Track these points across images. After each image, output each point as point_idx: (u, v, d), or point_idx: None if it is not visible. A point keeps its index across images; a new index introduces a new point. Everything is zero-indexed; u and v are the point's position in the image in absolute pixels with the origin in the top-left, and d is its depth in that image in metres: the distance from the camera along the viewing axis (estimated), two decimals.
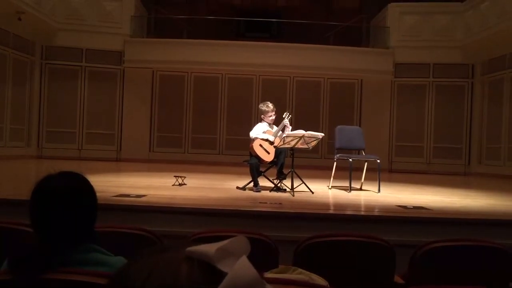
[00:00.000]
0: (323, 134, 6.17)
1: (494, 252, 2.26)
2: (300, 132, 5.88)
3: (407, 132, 13.44)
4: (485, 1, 11.59)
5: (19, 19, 10.81)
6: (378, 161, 6.71)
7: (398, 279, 2.36)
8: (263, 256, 2.15)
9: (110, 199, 4.41)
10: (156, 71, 13.69)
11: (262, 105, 6.49)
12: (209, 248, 0.51)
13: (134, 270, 0.53)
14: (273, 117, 6.39)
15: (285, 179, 6.20)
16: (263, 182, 6.32)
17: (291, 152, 6.08)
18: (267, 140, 6.20)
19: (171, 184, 6.34)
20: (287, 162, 6.20)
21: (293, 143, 5.88)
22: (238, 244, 0.53)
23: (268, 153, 6.14)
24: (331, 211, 4.95)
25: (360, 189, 6.85)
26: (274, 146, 6.15)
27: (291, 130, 6.17)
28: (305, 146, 6.00)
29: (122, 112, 13.51)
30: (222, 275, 0.50)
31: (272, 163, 6.22)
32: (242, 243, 0.54)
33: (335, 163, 6.84)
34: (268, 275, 1.51)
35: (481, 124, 12.77)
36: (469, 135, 13.13)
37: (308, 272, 1.59)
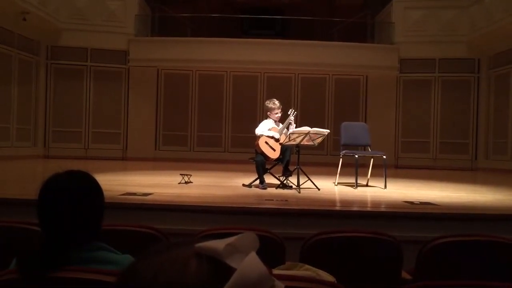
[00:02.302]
0: (328, 131, 6.16)
1: (502, 247, 2.25)
2: (306, 128, 5.87)
3: (413, 127, 13.39)
4: None
5: (24, 19, 10.85)
6: (384, 157, 6.69)
7: (405, 275, 2.36)
8: (270, 253, 2.16)
9: (116, 197, 4.43)
10: (161, 69, 13.71)
11: (268, 102, 6.48)
12: (218, 244, 0.51)
13: (143, 267, 0.53)
14: (279, 114, 6.38)
15: (291, 176, 6.20)
16: (269, 179, 6.32)
17: (297, 149, 6.08)
18: (272, 137, 6.20)
19: (177, 182, 6.35)
20: (292, 159, 6.20)
21: (298, 140, 5.88)
22: (246, 240, 0.53)
23: (274, 150, 6.14)
24: (337, 208, 4.95)
25: (366, 185, 6.84)
26: (280, 143, 6.15)
27: (295, 127, 6.17)
28: (311, 143, 6.00)
29: (128, 111, 13.54)
30: (231, 271, 0.50)
31: (278, 160, 6.21)
32: (250, 239, 0.54)
33: (341, 160, 6.83)
34: (275, 271, 1.52)
35: (487, 119, 12.71)
36: (476, 130, 13.07)
37: (315, 269, 1.59)
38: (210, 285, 0.50)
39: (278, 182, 6.23)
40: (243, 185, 6.34)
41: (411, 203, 4.87)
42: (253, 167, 6.26)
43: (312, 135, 5.90)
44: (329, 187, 6.57)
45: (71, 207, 1.45)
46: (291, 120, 6.23)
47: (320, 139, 6.06)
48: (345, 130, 7.03)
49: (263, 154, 6.10)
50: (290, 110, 6.33)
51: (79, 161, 10.66)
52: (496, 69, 12.34)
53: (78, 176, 1.52)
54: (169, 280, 0.51)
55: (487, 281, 1.52)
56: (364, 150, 7.40)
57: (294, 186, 6.01)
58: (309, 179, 6.04)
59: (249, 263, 0.50)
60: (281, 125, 6.36)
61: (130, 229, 2.28)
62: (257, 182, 6.17)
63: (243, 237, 0.53)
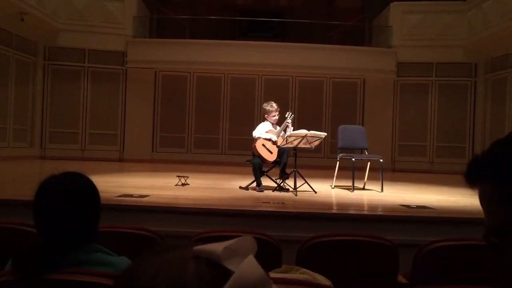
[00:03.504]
0: (325, 134, 6.17)
1: None
2: (303, 131, 5.87)
3: (410, 131, 13.41)
4: (488, 0, 11.56)
5: (22, 20, 10.83)
6: (381, 160, 6.71)
7: (401, 279, 2.36)
8: (266, 256, 2.15)
9: (113, 199, 4.42)
10: (159, 71, 13.70)
11: (266, 105, 6.49)
12: (216, 247, 0.52)
13: (141, 269, 0.53)
14: (277, 117, 6.39)
15: (288, 178, 6.20)
16: (266, 182, 6.32)
17: (294, 151, 6.08)
18: (269, 139, 6.20)
19: (174, 184, 6.34)
20: (290, 161, 6.20)
21: (295, 142, 5.88)
22: (245, 244, 0.53)
23: (271, 152, 6.14)
24: (334, 211, 4.95)
25: (363, 188, 6.84)
26: (277, 146, 6.15)
27: (293, 130, 6.17)
28: (308, 146, 6.00)
29: (125, 113, 13.52)
30: (229, 273, 0.50)
31: (275, 162, 6.22)
32: (249, 242, 0.54)
33: (337, 163, 6.84)
34: (272, 274, 1.51)
35: (484, 123, 12.74)
36: (472, 134, 13.10)
37: (311, 272, 1.59)
38: (209, 287, 0.50)
39: (275, 185, 6.23)
40: (240, 187, 6.34)
41: (408, 206, 4.88)
42: (250, 169, 6.26)
43: (309, 138, 5.90)
44: (326, 190, 6.57)
45: (67, 209, 1.44)
46: (288, 122, 6.23)
47: (317, 142, 6.07)
48: (342, 133, 7.04)
49: (260, 156, 6.11)
50: (288, 113, 6.34)
51: (76, 162, 10.65)
52: (493, 74, 12.38)
53: (74, 178, 1.52)
54: (168, 282, 0.51)
55: (483, 286, 1.52)
56: (361, 153, 7.41)
57: (291, 189, 6.01)
58: (306, 182, 6.04)
59: (247, 266, 0.50)
60: (278, 127, 6.37)
61: (126, 231, 2.27)
62: (254, 184, 6.17)
63: (242, 240, 0.53)
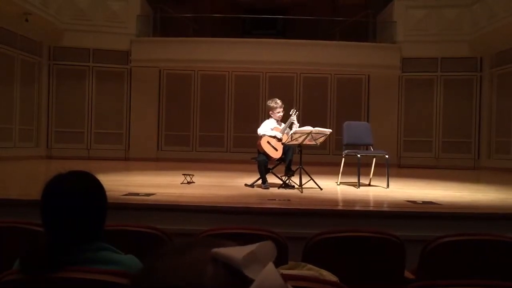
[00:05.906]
0: (330, 130, 6.15)
1: (505, 246, 2.25)
2: (308, 128, 5.86)
3: (416, 127, 13.37)
4: None
5: (26, 20, 10.87)
6: (387, 156, 6.69)
7: (408, 275, 2.36)
8: None
9: (119, 198, 4.43)
10: (163, 70, 13.72)
11: (270, 102, 6.48)
12: (236, 253, 0.51)
13: (158, 269, 0.53)
14: (281, 114, 6.38)
15: (293, 175, 6.19)
16: (271, 179, 6.32)
17: (299, 148, 6.07)
18: (274, 137, 6.19)
19: (179, 183, 6.35)
20: (295, 158, 6.20)
21: (300, 139, 5.88)
22: (265, 250, 0.52)
23: (276, 150, 6.13)
24: (340, 207, 4.94)
25: (369, 184, 6.83)
26: (282, 143, 6.15)
27: (299, 127, 6.16)
28: (313, 143, 5.99)
29: (130, 111, 13.55)
30: (248, 281, 0.49)
31: (280, 160, 6.21)
32: (269, 248, 0.53)
33: (343, 159, 6.83)
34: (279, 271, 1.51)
35: (490, 118, 12.69)
36: (478, 129, 13.05)
37: (318, 268, 1.59)
38: None
39: (281, 182, 6.23)
40: (246, 185, 6.34)
41: (414, 202, 4.87)
42: (255, 167, 6.26)
43: (314, 135, 5.89)
44: (331, 187, 6.56)
45: (73, 208, 1.45)
46: (293, 120, 6.21)
47: (322, 139, 6.06)
48: (347, 129, 7.02)
49: (265, 153, 6.10)
50: (292, 110, 6.32)
51: (82, 162, 10.68)
52: (499, 68, 12.31)
53: (80, 177, 1.53)
54: (185, 284, 0.50)
55: (490, 280, 1.52)
56: (367, 149, 7.39)
57: (296, 186, 6.00)
58: (312, 178, 6.03)
59: (267, 275, 0.49)
60: (283, 124, 6.36)
61: (132, 229, 2.28)
62: (260, 182, 6.17)
63: (261, 246, 0.52)
